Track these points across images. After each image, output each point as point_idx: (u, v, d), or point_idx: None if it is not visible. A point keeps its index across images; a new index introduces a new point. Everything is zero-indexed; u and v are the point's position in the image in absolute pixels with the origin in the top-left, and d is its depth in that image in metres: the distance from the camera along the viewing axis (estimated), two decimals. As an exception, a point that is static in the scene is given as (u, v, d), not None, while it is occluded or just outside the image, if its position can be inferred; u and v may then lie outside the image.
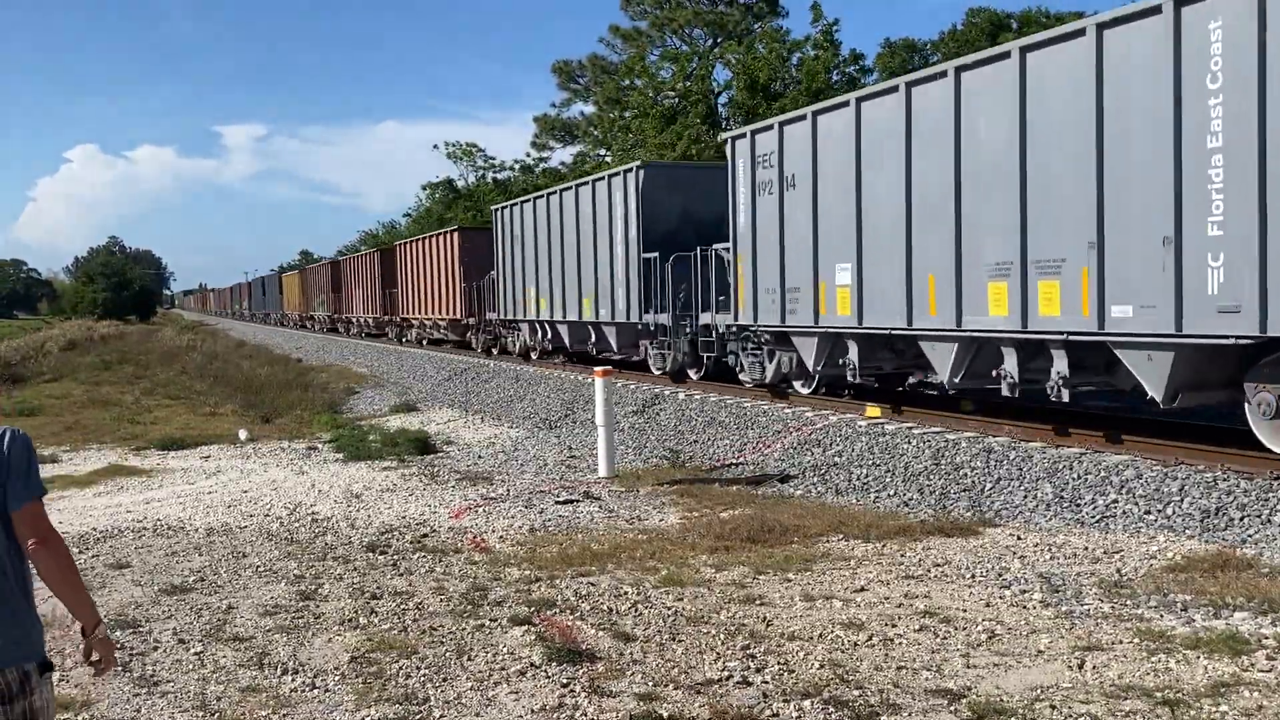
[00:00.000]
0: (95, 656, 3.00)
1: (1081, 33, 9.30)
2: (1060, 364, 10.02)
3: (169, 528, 9.61)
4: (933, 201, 11.19)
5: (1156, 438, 10.02)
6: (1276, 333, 7.94)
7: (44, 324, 79.72)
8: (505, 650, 5.76)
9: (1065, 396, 10.09)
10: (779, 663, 5.43)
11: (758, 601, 6.54)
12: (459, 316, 29.56)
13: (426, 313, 32.94)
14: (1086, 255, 9.31)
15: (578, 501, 10.44)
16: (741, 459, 12.76)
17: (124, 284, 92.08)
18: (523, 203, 23.88)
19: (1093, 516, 8.73)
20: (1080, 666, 5.21)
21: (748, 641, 5.76)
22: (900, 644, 5.66)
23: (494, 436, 16.73)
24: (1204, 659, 5.21)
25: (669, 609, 6.43)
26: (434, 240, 32.10)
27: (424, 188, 64.42)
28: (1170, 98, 8.46)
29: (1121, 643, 5.52)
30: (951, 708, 4.77)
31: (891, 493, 10.52)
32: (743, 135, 14.86)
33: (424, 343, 34.59)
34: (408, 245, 35.56)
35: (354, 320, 46.07)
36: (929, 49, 42.93)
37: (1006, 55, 10.19)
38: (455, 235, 29.97)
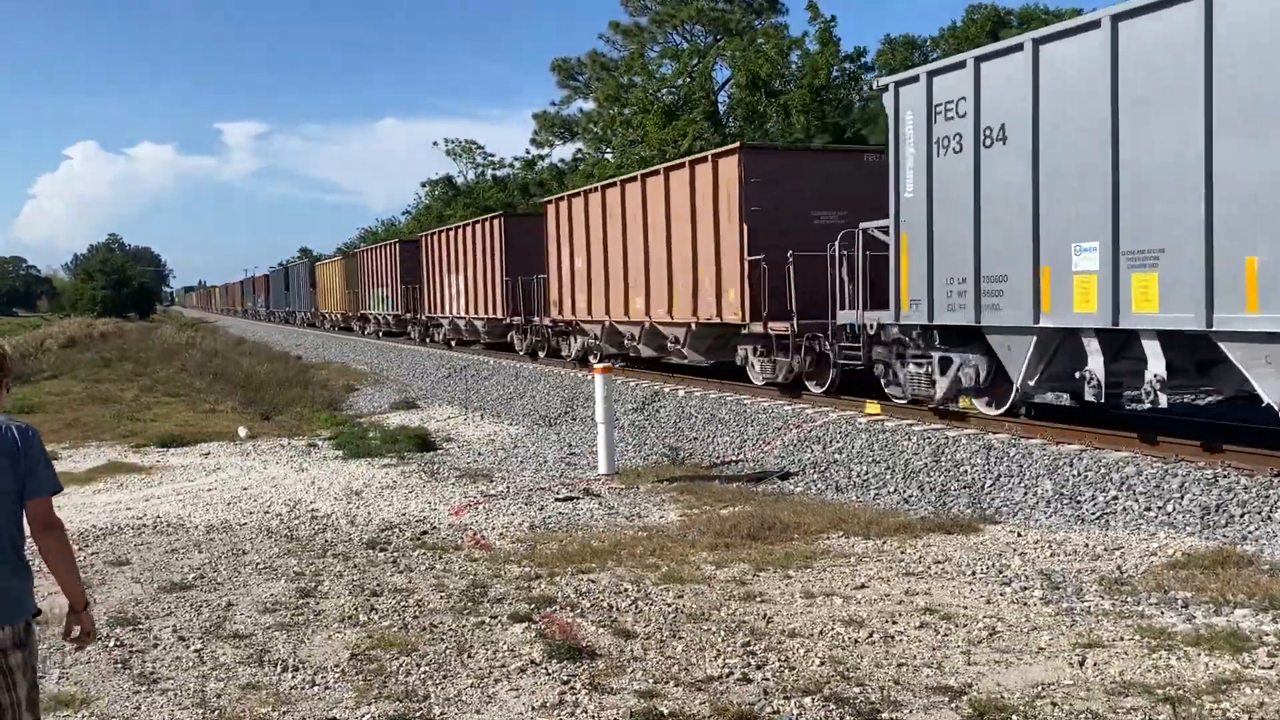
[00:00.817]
0: (79, 631, 3.49)
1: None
2: None
3: (169, 525, 9.60)
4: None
5: (1156, 434, 10.00)
6: None
7: (43, 321, 79.70)
8: (505, 647, 5.75)
9: None
10: (780, 660, 5.42)
11: (758, 598, 6.54)
12: (732, 315, 15.58)
13: (624, 311, 19.00)
14: None
15: (578, 499, 10.44)
16: (741, 456, 12.75)
17: (123, 281, 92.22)
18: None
19: (1093, 513, 8.72)
20: (1081, 664, 5.20)
21: (748, 638, 5.75)
22: (901, 641, 5.66)
23: (494, 434, 16.73)
24: (1205, 656, 5.20)
25: (669, 606, 6.43)
26: (658, 181, 17.55)
27: (423, 185, 64.46)
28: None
29: (1122, 640, 5.52)
30: (952, 705, 4.77)
31: (891, 490, 10.52)
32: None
33: (592, 359, 20.13)
34: (573, 201, 21.14)
35: (444, 322, 31.66)
36: (929, 45, 42.90)
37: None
38: (724, 163, 15.69)
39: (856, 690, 4.97)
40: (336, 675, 5.44)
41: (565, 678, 5.25)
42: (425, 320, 34.25)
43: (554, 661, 5.47)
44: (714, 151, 16.35)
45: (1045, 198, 9.84)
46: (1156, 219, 8.81)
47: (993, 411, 11.45)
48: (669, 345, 18.25)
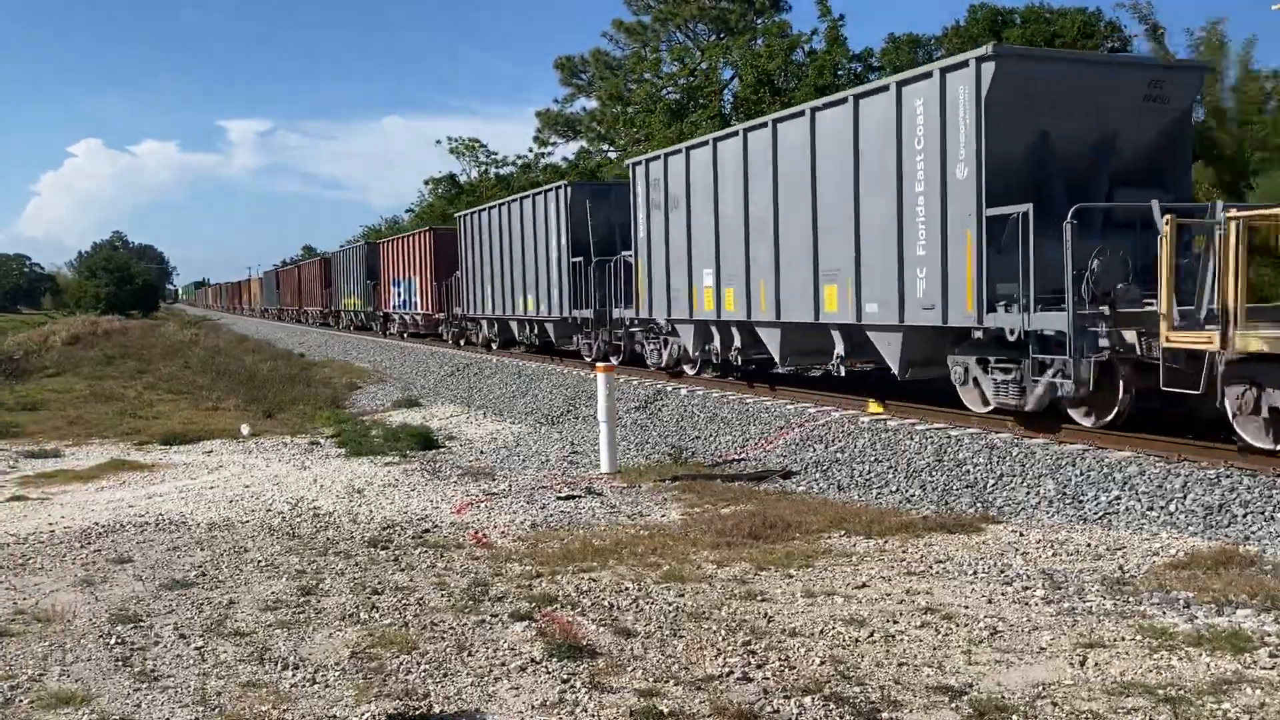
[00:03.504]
0: None
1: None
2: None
3: (171, 523, 9.61)
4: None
5: (1159, 434, 9.98)
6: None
7: (47, 318, 79.76)
8: (506, 646, 5.75)
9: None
10: (780, 659, 5.42)
11: (759, 597, 6.53)
12: None
13: None
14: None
15: (580, 497, 10.43)
16: (744, 455, 12.74)
17: (127, 279, 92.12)
18: None
19: (1095, 513, 8.71)
20: (1082, 664, 5.20)
21: (749, 637, 5.75)
22: (902, 641, 5.65)
23: (496, 432, 16.73)
24: (1206, 656, 5.20)
25: (670, 605, 6.42)
26: None
27: (426, 182, 64.46)
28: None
29: (1124, 640, 5.51)
30: (953, 705, 4.76)
31: (894, 489, 10.51)
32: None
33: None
34: None
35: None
36: (932, 44, 42.79)
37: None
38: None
39: (857, 690, 4.97)
40: (337, 673, 5.44)
41: (565, 676, 5.25)
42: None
43: (554, 660, 5.47)
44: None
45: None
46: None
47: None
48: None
